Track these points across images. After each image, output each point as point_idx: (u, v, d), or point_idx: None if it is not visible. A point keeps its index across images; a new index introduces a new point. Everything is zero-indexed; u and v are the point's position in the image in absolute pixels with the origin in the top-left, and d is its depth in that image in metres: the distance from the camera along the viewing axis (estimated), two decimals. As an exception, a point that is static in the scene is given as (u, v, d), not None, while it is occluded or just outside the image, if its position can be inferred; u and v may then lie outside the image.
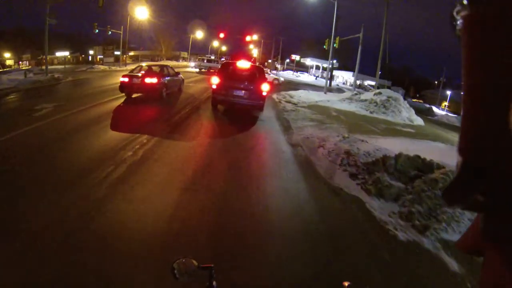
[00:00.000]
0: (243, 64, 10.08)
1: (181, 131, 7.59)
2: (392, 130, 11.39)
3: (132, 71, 12.84)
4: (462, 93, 0.51)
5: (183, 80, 15.31)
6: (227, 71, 9.97)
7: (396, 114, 15.48)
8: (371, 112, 15.07)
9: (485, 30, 0.47)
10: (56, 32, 55.78)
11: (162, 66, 13.42)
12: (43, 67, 23.31)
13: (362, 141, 7.36)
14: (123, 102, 10.92)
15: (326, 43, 28.32)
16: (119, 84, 11.47)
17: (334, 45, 24.92)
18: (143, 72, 12.55)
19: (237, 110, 10.06)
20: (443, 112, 38.38)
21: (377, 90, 16.80)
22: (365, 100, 16.24)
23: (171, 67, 14.32)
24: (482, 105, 0.49)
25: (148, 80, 11.46)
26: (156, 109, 10.37)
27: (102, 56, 44.11)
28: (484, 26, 0.47)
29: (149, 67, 13.41)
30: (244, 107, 9.79)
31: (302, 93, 19.49)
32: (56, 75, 19.42)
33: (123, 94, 11.66)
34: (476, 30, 0.48)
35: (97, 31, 36.13)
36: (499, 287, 0.53)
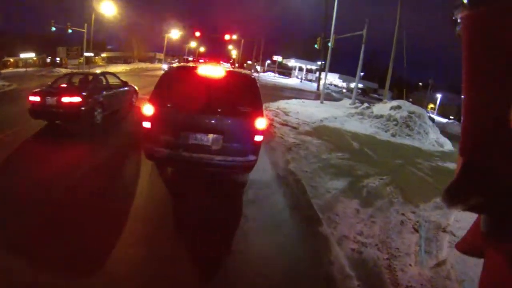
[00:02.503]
0: (215, 72, 4.53)
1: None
2: (443, 172, 7.61)
3: (54, 82, 8.53)
4: (462, 96, 0.51)
5: (135, 91, 11.09)
6: (180, 90, 4.50)
7: (423, 136, 11.87)
8: (393, 135, 11.35)
9: (486, 30, 0.47)
10: (25, 32, 49.41)
11: (96, 75, 9.17)
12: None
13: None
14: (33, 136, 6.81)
15: (318, 42, 24.79)
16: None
17: (329, 44, 21.11)
18: (63, 85, 8.30)
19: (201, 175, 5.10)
20: (443, 119, 35.47)
21: (394, 103, 13.04)
22: (381, 117, 12.48)
23: (114, 75, 10.17)
24: (483, 105, 0.49)
25: (66, 99, 7.18)
26: (66, 153, 5.98)
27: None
28: (484, 26, 0.48)
29: (71, 77, 9.23)
30: (217, 170, 4.71)
31: (296, 105, 15.53)
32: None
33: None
34: (477, 30, 0.49)
35: (53, 29, 31.55)
36: (499, 287, 0.54)
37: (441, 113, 47.81)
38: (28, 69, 36.81)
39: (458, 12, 0.51)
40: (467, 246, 0.67)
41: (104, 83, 9.10)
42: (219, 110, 4.39)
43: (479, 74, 0.49)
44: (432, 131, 12.39)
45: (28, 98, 7.33)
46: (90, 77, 8.97)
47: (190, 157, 4.30)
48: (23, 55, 50.23)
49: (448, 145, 12.35)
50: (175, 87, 4.55)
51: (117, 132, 7.82)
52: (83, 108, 7.44)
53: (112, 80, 9.75)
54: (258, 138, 4.41)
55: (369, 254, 3.64)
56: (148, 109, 4.35)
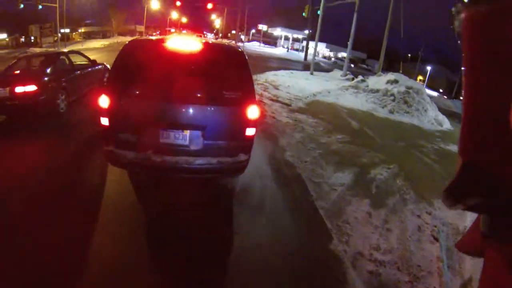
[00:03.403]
0: (191, 46, 3.42)
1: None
2: (448, 156, 6.96)
3: (7, 69, 7.16)
4: (462, 98, 0.50)
5: (107, 69, 9.41)
6: (146, 71, 3.23)
7: (422, 113, 11.17)
8: (391, 112, 10.60)
9: (486, 29, 0.47)
10: None
11: (56, 56, 7.77)
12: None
13: None
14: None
15: (306, 10, 23.67)
16: None
17: (318, 12, 19.84)
18: (17, 72, 6.96)
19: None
20: (433, 92, 34.96)
21: (391, 77, 12.16)
22: (377, 91, 11.62)
23: (80, 53, 8.81)
24: (483, 105, 0.48)
25: (20, 89, 5.96)
26: (21, 154, 4.80)
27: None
28: (484, 26, 0.47)
29: (28, 61, 7.77)
30: (198, 176, 3.81)
31: (285, 77, 14.47)
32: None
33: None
34: (477, 30, 0.48)
35: (22, 6, 28.78)
36: (499, 287, 0.53)
37: (430, 86, 47.35)
38: (0, 51, 34.39)
39: (458, 11, 0.50)
40: (467, 246, 0.68)
41: (68, 64, 7.68)
42: (197, 96, 3.30)
43: (479, 74, 0.49)
44: (430, 108, 11.68)
45: None
46: (50, 59, 7.53)
47: (162, 161, 3.21)
48: (-7, 35, 46.51)
49: (446, 124, 11.70)
50: (138, 68, 3.30)
51: (84, 121, 6.47)
52: (42, 97, 6.22)
53: (77, 60, 8.38)
54: (250, 131, 3.35)
55: (389, 276, 2.93)
56: (104, 101, 3.21)
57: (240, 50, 3.71)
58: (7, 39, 48.30)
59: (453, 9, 0.51)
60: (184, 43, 3.46)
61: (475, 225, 0.62)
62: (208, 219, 3.37)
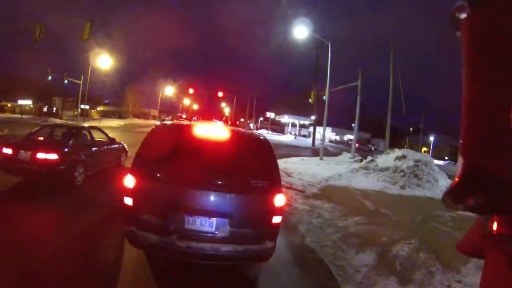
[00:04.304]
0: (217, 133, 3.74)
1: None
2: (466, 221, 6.96)
3: (32, 133, 7.76)
4: (462, 100, 0.51)
5: (124, 149, 10.17)
6: (173, 155, 3.46)
7: (434, 185, 11.39)
8: (402, 188, 10.85)
9: (486, 31, 0.48)
10: (22, 78, 49.51)
11: (79, 129, 8.21)
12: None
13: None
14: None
15: (312, 96, 25.15)
16: None
17: (324, 97, 21.18)
18: (40, 138, 7.58)
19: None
20: (439, 161, 35.25)
21: (399, 153, 12.72)
22: (387, 169, 12.05)
23: (101, 130, 9.33)
24: (483, 106, 0.49)
25: (41, 155, 6.39)
26: (34, 222, 4.84)
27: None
28: (484, 27, 0.48)
29: (52, 129, 8.38)
30: (224, 264, 3.71)
31: (297, 164, 15.17)
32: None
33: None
34: (477, 31, 0.49)
35: (50, 78, 31.55)
36: None
37: (435, 156, 47.81)
38: (24, 116, 36.66)
39: (458, 14, 0.51)
40: (468, 247, 0.67)
41: (89, 138, 8.09)
42: (225, 184, 3.37)
43: (479, 75, 0.49)
44: (441, 178, 11.94)
45: (0, 149, 6.53)
46: (73, 131, 7.84)
47: (187, 247, 3.22)
48: (21, 102, 49.33)
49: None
50: (165, 151, 3.42)
51: (100, 197, 6.65)
52: (61, 167, 6.53)
53: (98, 136, 8.81)
54: (277, 219, 3.45)
55: None
56: (129, 181, 3.31)
57: (265, 138, 3.89)
58: (31, 106, 51.49)
59: (453, 9, 0.51)
60: (210, 128, 3.70)
61: (475, 226, 0.63)
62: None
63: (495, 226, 0.54)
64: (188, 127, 3.74)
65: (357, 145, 54.83)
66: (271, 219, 3.43)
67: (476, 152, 0.50)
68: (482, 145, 0.49)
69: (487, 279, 0.58)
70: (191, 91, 47.32)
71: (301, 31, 19.40)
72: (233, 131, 3.79)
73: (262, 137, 3.95)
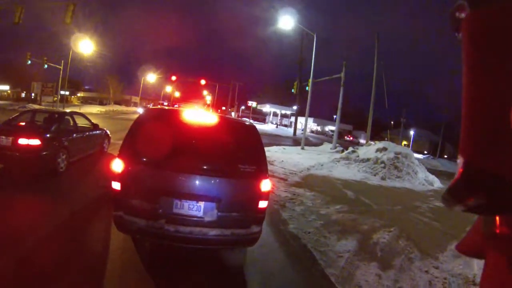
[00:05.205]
0: (205, 118, 3.71)
1: None
2: (444, 213, 7.20)
3: (13, 119, 7.47)
4: (462, 100, 0.51)
5: (107, 135, 9.96)
6: (160, 140, 3.44)
7: (413, 177, 11.67)
8: (382, 179, 11.04)
9: (486, 30, 0.47)
10: (0, 62, 46.47)
11: (62, 115, 7.97)
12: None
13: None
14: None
15: (295, 86, 25.07)
16: None
17: (307, 88, 21.24)
18: (22, 123, 7.33)
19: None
20: (418, 155, 36.25)
21: (380, 145, 12.94)
22: (368, 160, 12.25)
23: (84, 115, 9.02)
24: (483, 105, 0.48)
25: (23, 141, 6.15)
26: (15, 210, 4.71)
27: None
28: (484, 27, 0.48)
29: (34, 115, 8.17)
30: (212, 247, 3.80)
31: (278, 153, 15.19)
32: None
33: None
34: (477, 31, 0.49)
35: (29, 62, 30.39)
36: None
37: (415, 149, 49.24)
38: (0, 102, 35.04)
39: (458, 13, 0.50)
40: (468, 248, 0.66)
41: (72, 124, 7.90)
42: (212, 168, 3.36)
43: (479, 74, 0.49)
44: (420, 170, 12.24)
45: None
46: (56, 116, 7.64)
47: (175, 231, 3.21)
48: (-4, 87, 47.17)
49: (437, 183, 12.19)
50: (154, 135, 3.47)
51: (84, 184, 6.59)
52: (44, 153, 6.33)
53: (81, 122, 8.56)
54: (263, 204, 3.47)
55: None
56: (117, 165, 3.27)
57: (252, 124, 3.92)
58: (9, 91, 49.01)
59: (453, 9, 0.52)
60: (197, 114, 3.70)
61: (475, 226, 0.62)
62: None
63: (495, 226, 0.53)
64: (177, 112, 3.73)
65: (351, 138, 55.86)
66: (257, 203, 3.45)
67: (476, 152, 0.50)
68: (482, 145, 0.49)
69: (487, 279, 0.58)
70: (173, 78, 46.40)
71: (287, 22, 19.20)
72: (221, 117, 3.79)
73: (249, 123, 3.97)
